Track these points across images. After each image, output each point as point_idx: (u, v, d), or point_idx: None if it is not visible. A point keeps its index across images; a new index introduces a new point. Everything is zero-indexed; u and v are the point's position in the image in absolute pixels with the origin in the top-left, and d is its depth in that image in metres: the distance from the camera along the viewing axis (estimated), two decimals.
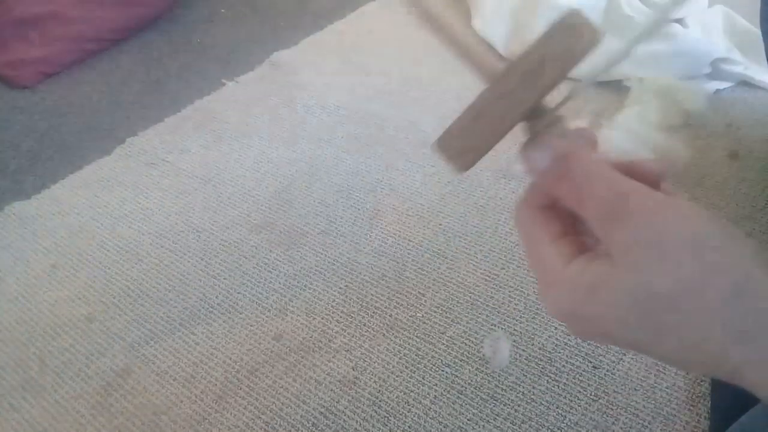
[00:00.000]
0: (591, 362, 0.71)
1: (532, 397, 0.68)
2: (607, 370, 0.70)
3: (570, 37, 0.28)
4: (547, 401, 0.68)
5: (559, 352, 0.72)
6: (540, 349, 0.73)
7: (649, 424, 0.65)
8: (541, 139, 0.30)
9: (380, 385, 0.72)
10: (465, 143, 0.30)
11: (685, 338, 0.24)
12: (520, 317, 0.76)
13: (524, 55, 0.29)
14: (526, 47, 0.31)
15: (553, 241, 0.28)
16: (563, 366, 0.71)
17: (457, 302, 0.79)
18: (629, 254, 0.25)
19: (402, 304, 0.80)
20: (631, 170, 0.28)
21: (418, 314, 0.78)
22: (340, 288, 0.83)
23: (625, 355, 0.71)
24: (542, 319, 0.75)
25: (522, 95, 0.28)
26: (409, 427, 0.68)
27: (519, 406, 0.68)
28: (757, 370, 0.24)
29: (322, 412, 0.70)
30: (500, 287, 0.80)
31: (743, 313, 0.23)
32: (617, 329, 0.26)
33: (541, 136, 0.30)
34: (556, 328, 0.74)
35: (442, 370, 0.72)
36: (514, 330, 0.75)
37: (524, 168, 0.29)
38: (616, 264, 0.25)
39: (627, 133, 0.94)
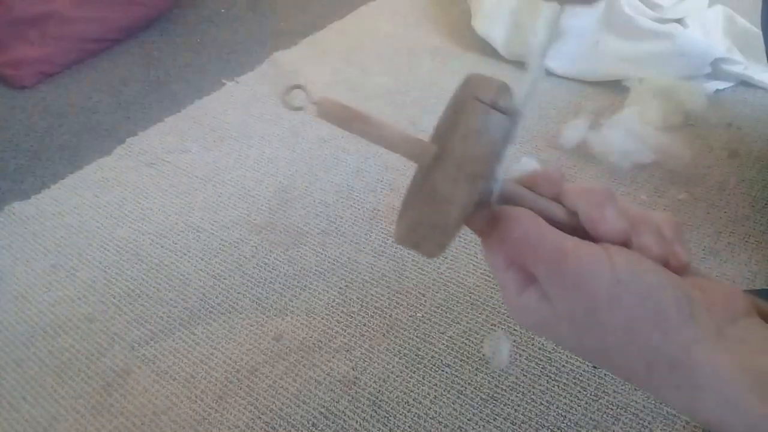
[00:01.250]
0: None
1: (532, 397, 0.68)
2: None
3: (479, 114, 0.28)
4: (547, 401, 0.68)
5: (559, 352, 0.72)
6: (540, 349, 0.73)
7: (649, 424, 0.65)
8: (483, 206, 0.30)
9: (380, 385, 0.72)
10: (426, 230, 0.29)
11: (623, 377, 0.30)
12: None
13: (446, 140, 0.28)
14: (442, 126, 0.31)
15: (506, 268, 0.31)
16: (563, 366, 0.71)
17: (457, 302, 0.79)
18: (568, 315, 0.28)
19: (402, 304, 0.80)
20: (592, 227, 0.30)
21: (418, 314, 0.78)
22: (340, 288, 0.83)
23: None
24: None
25: (459, 194, 0.28)
26: (409, 427, 0.68)
27: (519, 406, 0.68)
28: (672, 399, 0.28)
29: (322, 412, 0.70)
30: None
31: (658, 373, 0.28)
32: (568, 349, 0.31)
33: (483, 205, 0.30)
34: None
35: (442, 370, 0.72)
36: (514, 330, 0.75)
37: (473, 230, 0.32)
38: (557, 317, 0.29)
39: (627, 133, 0.94)
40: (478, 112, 0.27)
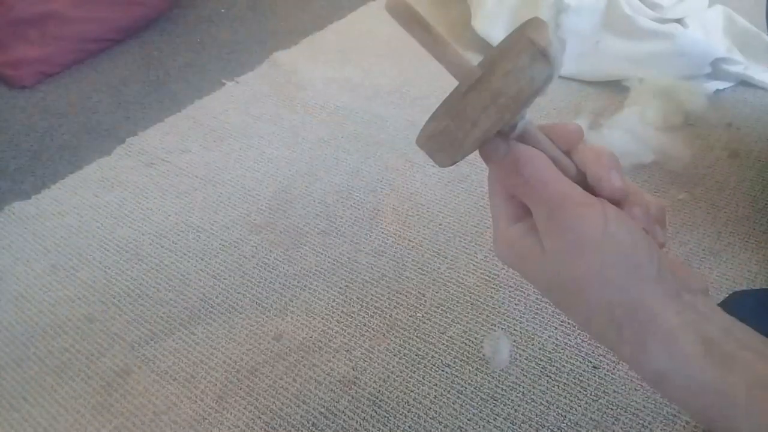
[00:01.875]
0: (591, 362, 0.71)
1: (532, 397, 0.68)
2: (607, 370, 0.70)
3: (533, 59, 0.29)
4: (547, 401, 0.68)
5: (559, 352, 0.72)
6: (540, 349, 0.73)
7: (649, 424, 0.65)
8: (498, 139, 0.32)
9: (380, 385, 0.72)
10: (444, 142, 0.32)
11: (580, 316, 0.31)
12: (520, 317, 0.76)
13: (491, 69, 0.30)
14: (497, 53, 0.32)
15: (505, 199, 0.33)
16: (563, 366, 0.71)
17: (457, 302, 0.79)
18: (555, 250, 0.31)
19: (402, 304, 0.80)
20: (597, 184, 0.33)
21: (418, 314, 0.78)
22: (340, 288, 0.83)
23: None
24: (542, 319, 0.75)
25: (489, 117, 0.29)
26: (409, 427, 0.68)
27: (519, 406, 0.68)
28: (627, 357, 0.30)
29: (322, 412, 0.70)
30: (500, 287, 0.80)
31: (621, 323, 0.30)
32: (539, 288, 0.33)
33: (498, 137, 0.32)
34: (556, 329, 0.74)
35: (442, 370, 0.72)
36: (514, 330, 0.75)
37: (481, 156, 0.33)
38: (543, 249, 0.31)
39: (627, 133, 0.94)
40: (528, 53, 0.29)
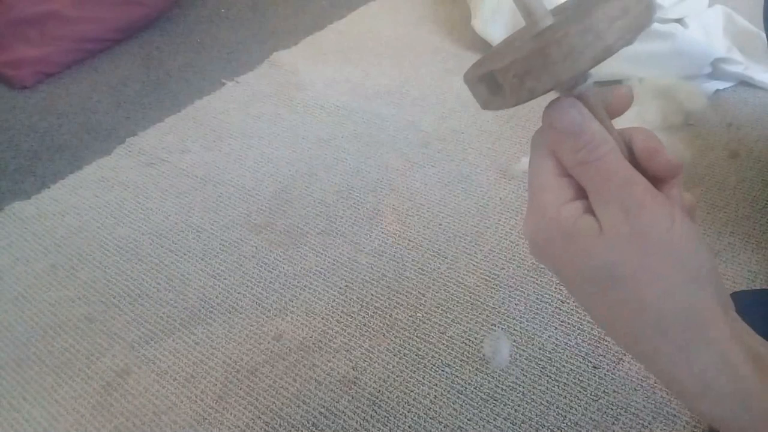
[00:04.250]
0: (591, 362, 0.71)
1: (532, 397, 0.68)
2: (607, 370, 0.70)
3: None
4: (547, 401, 0.68)
5: (559, 352, 0.72)
6: (540, 349, 0.73)
7: (649, 424, 0.65)
8: (569, 103, 0.30)
9: (380, 385, 0.72)
10: (537, 65, 0.28)
11: (614, 310, 0.29)
12: (520, 317, 0.76)
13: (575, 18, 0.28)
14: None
15: (559, 176, 0.30)
16: (563, 366, 0.71)
17: (457, 302, 0.79)
18: (615, 235, 0.28)
19: (402, 304, 0.80)
20: (650, 156, 0.31)
21: (418, 314, 0.78)
22: (340, 288, 0.83)
23: (625, 355, 0.71)
24: (542, 319, 0.75)
25: (560, 68, 0.27)
26: (409, 427, 0.68)
27: (519, 406, 0.68)
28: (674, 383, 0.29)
29: (322, 412, 0.70)
30: (500, 287, 0.80)
31: (675, 336, 0.28)
32: (572, 274, 0.30)
33: (569, 99, 0.30)
34: (556, 329, 0.74)
35: (442, 370, 0.72)
36: (514, 330, 0.75)
37: (545, 120, 0.30)
38: (601, 235, 0.28)
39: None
40: (613, 17, 0.27)
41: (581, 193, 0.30)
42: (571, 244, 0.29)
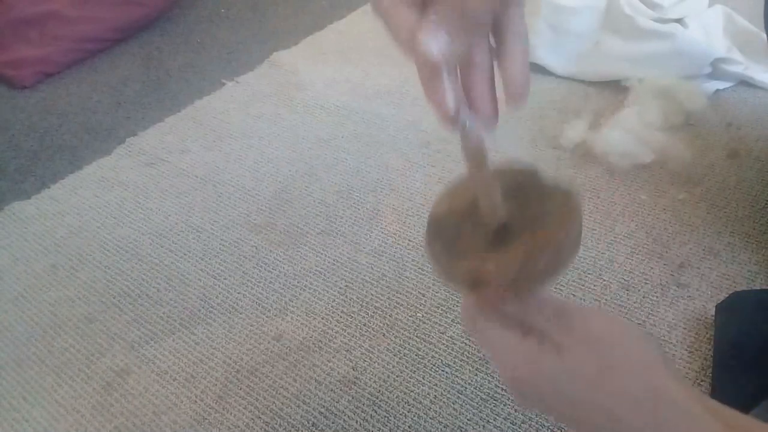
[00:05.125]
0: None
1: None
2: None
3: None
4: None
5: None
6: None
7: None
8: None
9: (380, 385, 0.72)
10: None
11: (597, 410, 0.32)
12: None
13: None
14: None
15: (505, 326, 0.35)
16: None
17: (457, 302, 0.79)
18: (572, 348, 0.32)
19: (402, 304, 0.80)
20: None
21: (418, 314, 0.78)
22: (340, 288, 0.83)
23: None
24: None
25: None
26: (409, 426, 0.68)
27: (519, 406, 0.68)
28: None
29: (322, 412, 0.70)
30: None
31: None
32: (553, 395, 0.33)
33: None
34: None
35: (442, 370, 0.72)
36: None
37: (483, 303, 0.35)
38: (560, 351, 0.33)
39: (627, 133, 0.94)
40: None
41: (530, 329, 0.34)
42: (540, 369, 0.33)
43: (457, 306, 0.78)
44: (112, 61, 1.38)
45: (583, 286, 0.78)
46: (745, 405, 0.53)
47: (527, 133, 1.01)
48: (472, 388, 0.70)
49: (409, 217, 0.91)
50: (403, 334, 0.76)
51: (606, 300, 0.76)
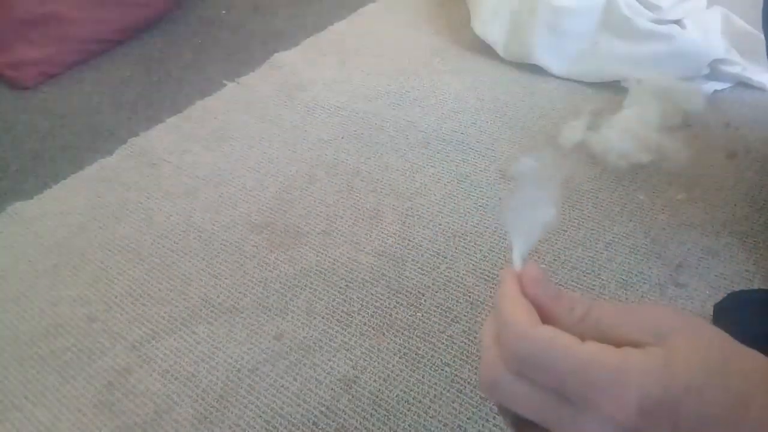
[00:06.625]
0: None
1: None
2: None
3: None
4: None
5: None
6: None
7: None
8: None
9: (380, 384, 0.72)
10: None
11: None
12: None
13: None
14: None
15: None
16: None
17: (457, 302, 0.79)
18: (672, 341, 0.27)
19: (402, 304, 0.80)
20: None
21: (418, 314, 0.79)
22: (340, 288, 0.83)
23: None
24: None
25: None
26: (409, 425, 0.68)
27: None
28: None
29: (322, 411, 0.70)
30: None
31: None
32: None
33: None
34: None
35: (442, 369, 0.72)
36: None
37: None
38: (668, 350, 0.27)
39: (625, 133, 0.94)
40: None
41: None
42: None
43: (456, 305, 0.79)
44: (114, 62, 1.38)
45: (581, 285, 0.78)
46: None
47: (527, 133, 1.02)
48: (471, 387, 0.70)
49: (409, 217, 0.92)
50: (403, 333, 0.77)
51: (604, 300, 0.76)
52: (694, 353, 0.26)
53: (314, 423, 0.69)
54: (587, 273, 0.80)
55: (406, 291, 0.82)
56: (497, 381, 0.28)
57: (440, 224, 0.90)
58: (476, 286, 0.81)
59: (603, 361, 0.25)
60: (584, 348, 0.26)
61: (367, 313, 0.80)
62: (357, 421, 0.69)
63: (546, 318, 0.29)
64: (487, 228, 0.88)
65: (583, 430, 0.26)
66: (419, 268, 0.84)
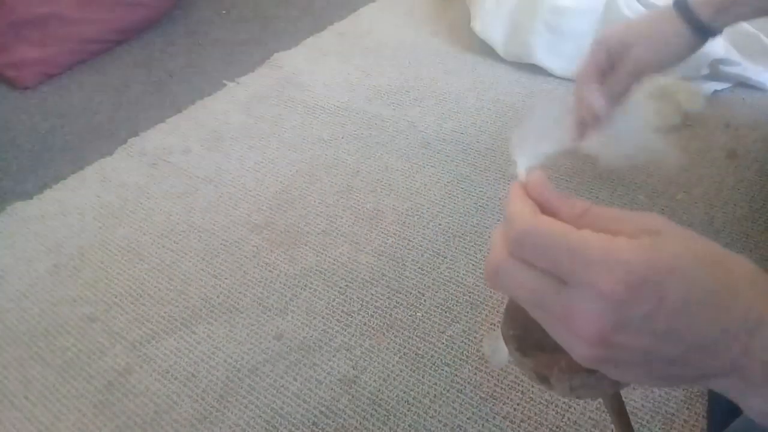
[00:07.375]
0: None
1: (531, 395, 0.69)
2: None
3: None
4: (545, 400, 0.68)
5: None
6: None
7: (647, 423, 0.65)
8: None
9: (380, 384, 0.72)
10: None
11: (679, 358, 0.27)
12: None
13: None
14: None
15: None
16: None
17: (457, 302, 0.79)
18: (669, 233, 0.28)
19: (402, 304, 0.80)
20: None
21: (418, 314, 0.79)
22: (340, 288, 0.83)
23: None
24: None
25: None
26: (408, 425, 0.68)
27: (518, 404, 0.68)
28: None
29: (322, 411, 0.70)
30: None
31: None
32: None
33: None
34: None
35: (442, 369, 0.72)
36: None
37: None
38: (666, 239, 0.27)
39: (625, 133, 0.94)
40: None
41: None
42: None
43: (456, 305, 0.79)
44: (114, 62, 1.39)
45: None
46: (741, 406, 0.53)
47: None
48: (471, 387, 0.70)
49: (409, 217, 0.92)
50: (403, 333, 0.77)
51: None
52: (683, 243, 0.27)
53: (314, 423, 0.69)
54: None
55: (406, 291, 0.82)
56: (499, 266, 0.30)
57: (440, 224, 0.90)
58: (476, 286, 0.81)
59: (595, 243, 0.27)
60: (579, 232, 0.28)
61: (367, 313, 0.80)
62: (357, 421, 0.69)
63: (548, 215, 0.30)
64: (487, 228, 0.88)
65: (573, 306, 0.27)
66: (419, 268, 0.84)
